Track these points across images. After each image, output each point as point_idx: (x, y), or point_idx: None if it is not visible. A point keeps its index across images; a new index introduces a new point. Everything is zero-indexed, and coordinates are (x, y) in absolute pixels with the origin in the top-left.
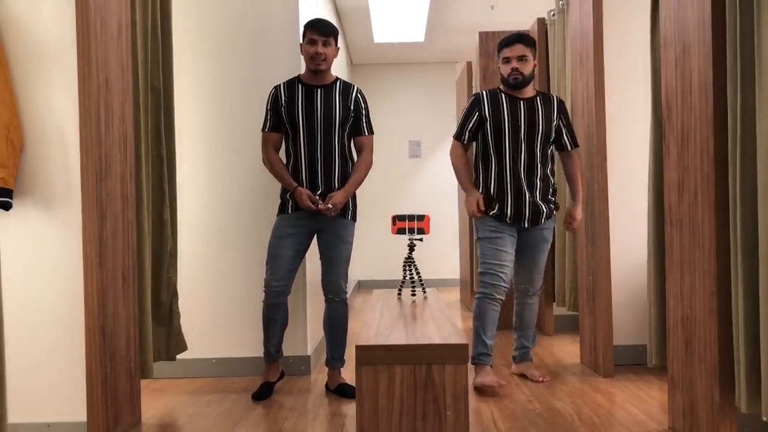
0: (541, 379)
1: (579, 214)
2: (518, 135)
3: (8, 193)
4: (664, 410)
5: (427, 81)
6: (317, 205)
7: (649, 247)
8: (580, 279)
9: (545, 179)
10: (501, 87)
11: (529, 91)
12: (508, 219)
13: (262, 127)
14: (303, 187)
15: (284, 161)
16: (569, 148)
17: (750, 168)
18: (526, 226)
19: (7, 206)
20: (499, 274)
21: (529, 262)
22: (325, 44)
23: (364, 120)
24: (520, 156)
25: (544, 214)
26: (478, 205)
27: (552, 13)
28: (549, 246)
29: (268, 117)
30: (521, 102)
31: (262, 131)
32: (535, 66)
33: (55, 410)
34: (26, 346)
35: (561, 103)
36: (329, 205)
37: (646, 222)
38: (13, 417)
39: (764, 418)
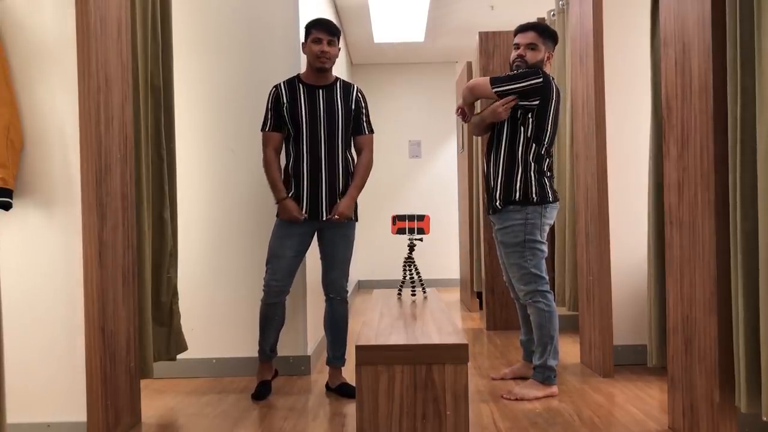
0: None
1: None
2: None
3: (8, 193)
4: (664, 410)
5: (427, 81)
6: (324, 217)
7: (649, 247)
8: (580, 279)
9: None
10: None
11: None
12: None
13: (262, 127)
14: (304, 185)
15: (284, 160)
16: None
17: (750, 168)
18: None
19: (7, 206)
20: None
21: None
22: (330, 43)
23: (364, 119)
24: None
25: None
26: None
27: (552, 13)
28: (508, 246)
29: (269, 116)
30: None
31: (261, 131)
32: (548, 57)
33: (55, 410)
34: (26, 346)
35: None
36: (336, 216)
37: (646, 222)
38: (12, 417)
39: (764, 418)
